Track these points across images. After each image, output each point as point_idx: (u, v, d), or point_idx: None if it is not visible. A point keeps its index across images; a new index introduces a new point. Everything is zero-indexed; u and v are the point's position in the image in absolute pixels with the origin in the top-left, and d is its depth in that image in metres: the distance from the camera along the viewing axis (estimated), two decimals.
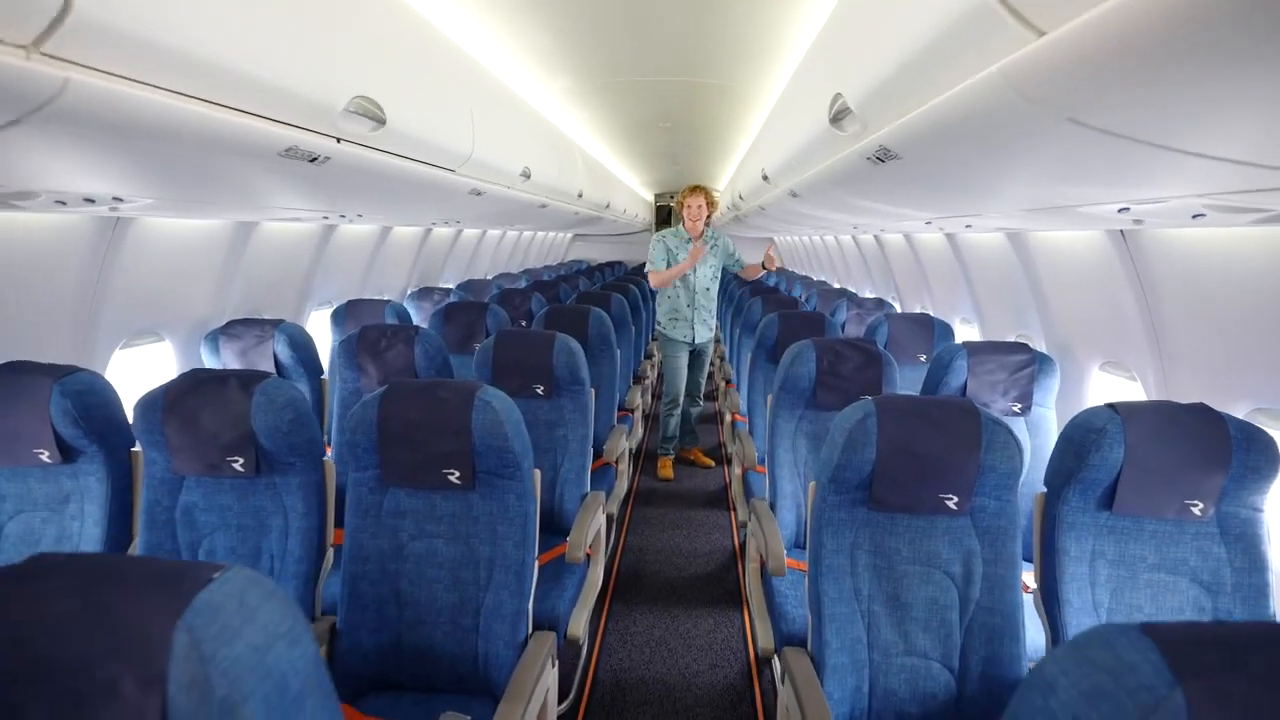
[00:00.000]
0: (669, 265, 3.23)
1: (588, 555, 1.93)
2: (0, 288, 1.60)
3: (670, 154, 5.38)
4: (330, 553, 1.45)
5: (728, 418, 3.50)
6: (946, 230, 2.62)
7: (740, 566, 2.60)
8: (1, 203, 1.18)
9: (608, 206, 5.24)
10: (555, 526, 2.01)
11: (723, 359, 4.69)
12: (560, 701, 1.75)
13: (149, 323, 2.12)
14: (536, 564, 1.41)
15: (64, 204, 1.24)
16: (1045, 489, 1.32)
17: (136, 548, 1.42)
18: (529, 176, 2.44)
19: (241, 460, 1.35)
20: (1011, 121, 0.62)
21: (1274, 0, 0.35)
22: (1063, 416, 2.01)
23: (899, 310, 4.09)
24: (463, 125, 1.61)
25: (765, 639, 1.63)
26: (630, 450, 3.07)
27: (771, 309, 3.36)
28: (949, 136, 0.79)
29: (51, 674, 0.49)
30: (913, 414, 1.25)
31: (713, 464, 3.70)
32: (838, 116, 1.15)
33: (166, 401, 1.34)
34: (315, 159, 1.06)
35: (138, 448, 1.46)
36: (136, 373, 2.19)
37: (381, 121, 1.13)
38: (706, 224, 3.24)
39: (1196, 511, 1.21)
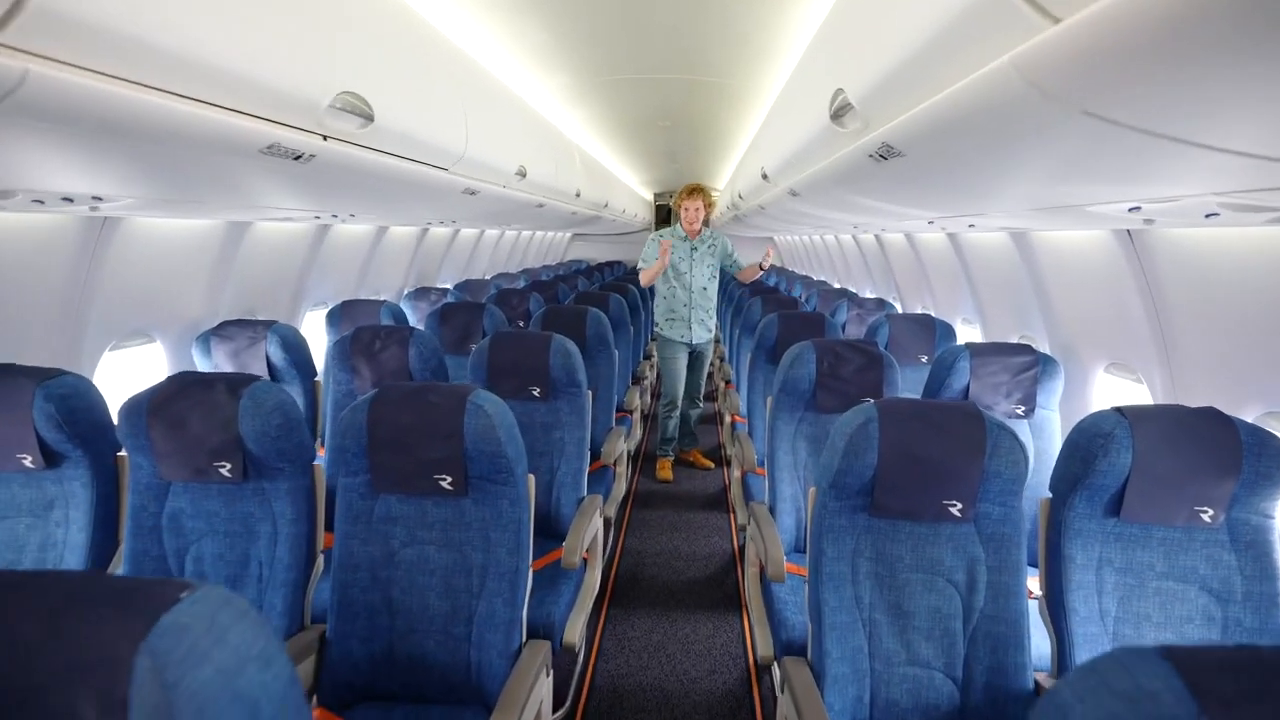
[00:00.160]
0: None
1: (584, 560, 1.90)
2: None
3: (670, 153, 5.35)
4: (320, 559, 1.42)
5: (727, 419, 3.47)
6: (949, 230, 2.59)
7: (740, 570, 2.57)
8: None
9: (606, 206, 5.20)
10: (551, 531, 1.98)
11: (722, 359, 4.66)
12: (556, 709, 1.72)
13: (139, 324, 2.09)
14: (531, 571, 1.38)
15: (42, 203, 1.21)
16: (1050, 494, 1.30)
17: (122, 555, 1.39)
18: (525, 175, 2.41)
19: (229, 465, 1.32)
20: (1022, 116, 0.59)
21: None
22: (1066, 419, 1.98)
23: (900, 310, 4.07)
24: (455, 123, 1.58)
25: (764, 646, 1.60)
26: (628, 452, 3.05)
27: (771, 309, 3.33)
28: (955, 132, 0.76)
29: (6, 698, 0.46)
30: (915, 418, 1.22)
31: (712, 465, 3.67)
32: (838, 113, 1.12)
33: (151, 405, 1.31)
34: (300, 157, 1.03)
35: (124, 452, 1.43)
36: (129, 375, 2.16)
37: (369, 118, 1.10)
38: (705, 224, 3.22)
39: (1206, 518, 1.18)
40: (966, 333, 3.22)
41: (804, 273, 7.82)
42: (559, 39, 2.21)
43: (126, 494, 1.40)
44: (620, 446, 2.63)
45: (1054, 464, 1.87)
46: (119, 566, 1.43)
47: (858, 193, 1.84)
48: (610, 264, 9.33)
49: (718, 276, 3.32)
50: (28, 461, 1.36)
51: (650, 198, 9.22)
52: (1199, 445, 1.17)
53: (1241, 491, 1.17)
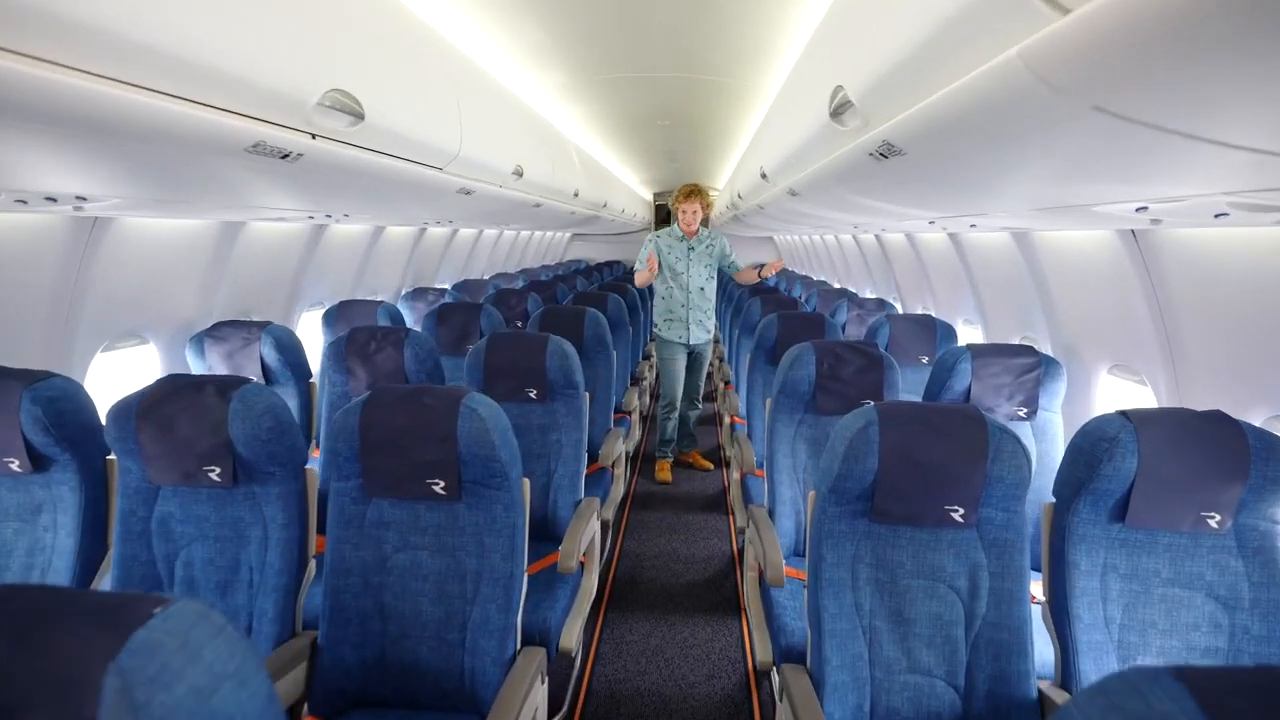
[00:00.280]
0: (659, 266, 3.21)
1: (582, 563, 1.88)
2: None
3: (669, 152, 5.32)
4: (312, 564, 1.40)
5: (726, 420, 3.45)
6: (950, 230, 2.57)
7: (739, 573, 2.55)
8: None
9: (605, 206, 5.18)
10: (548, 534, 1.96)
11: (721, 360, 4.64)
12: (552, 715, 1.70)
13: (132, 325, 2.07)
14: (526, 576, 1.36)
15: (25, 203, 1.19)
16: (1054, 499, 1.27)
17: (111, 560, 1.37)
18: (521, 175, 2.39)
19: (218, 470, 1.30)
20: (1029, 111, 0.56)
21: None
22: (1069, 421, 1.96)
23: (900, 311, 4.04)
24: (449, 121, 1.56)
25: (763, 652, 1.58)
26: (627, 453, 3.02)
27: (771, 309, 3.31)
28: (958, 129, 0.73)
29: None
30: (916, 422, 1.20)
31: (711, 467, 3.65)
32: (838, 110, 1.09)
33: (140, 408, 1.29)
34: (287, 156, 1.01)
35: (113, 456, 1.41)
36: (123, 376, 2.14)
37: (359, 116, 1.08)
38: (704, 224, 3.20)
39: (1213, 524, 1.16)
40: (968, 333, 3.19)
41: (804, 273, 7.79)
42: (555, 36, 2.19)
43: (115, 498, 1.38)
44: (618, 448, 2.61)
45: (1057, 467, 1.87)
46: (108, 572, 1.40)
47: (858, 192, 1.82)
48: (609, 264, 9.31)
49: (716, 277, 3.29)
50: (15, 465, 1.34)
51: (650, 197, 9.19)
52: (1205, 449, 1.14)
53: (1249, 497, 1.14)
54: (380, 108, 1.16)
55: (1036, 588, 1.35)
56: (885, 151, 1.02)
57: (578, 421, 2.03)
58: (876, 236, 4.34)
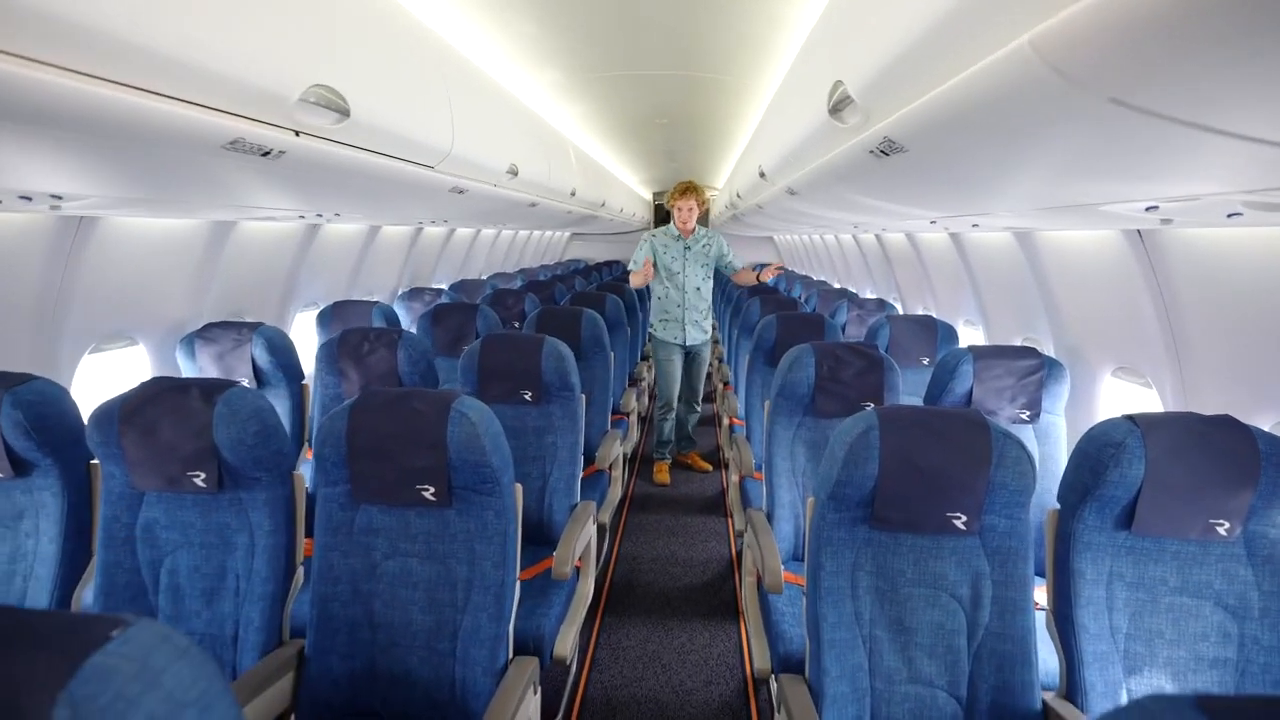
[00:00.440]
0: (654, 266, 3.17)
1: (577, 568, 1.85)
2: None
3: (668, 151, 5.29)
4: (300, 571, 1.37)
5: (725, 421, 3.42)
6: (951, 230, 2.54)
7: (737, 577, 2.52)
8: None
9: (603, 205, 5.15)
10: (543, 538, 1.93)
11: (720, 360, 4.60)
12: None
13: (120, 326, 2.04)
14: (518, 584, 1.33)
15: None
16: (1056, 504, 1.25)
17: (94, 567, 1.33)
18: (516, 174, 2.35)
19: (203, 475, 1.27)
20: (1040, 104, 0.53)
21: None
22: (1072, 424, 1.93)
23: (901, 311, 4.01)
24: (440, 119, 1.52)
25: (761, 660, 1.55)
26: (625, 455, 2.99)
27: (770, 310, 3.28)
28: (962, 125, 0.70)
29: None
30: (917, 426, 1.17)
31: (709, 468, 3.62)
32: (837, 107, 1.06)
33: (123, 412, 1.26)
34: (268, 153, 0.98)
35: (97, 460, 1.38)
36: (115, 378, 2.11)
37: (345, 113, 1.05)
38: (704, 223, 3.17)
39: (1222, 531, 1.13)
40: (969, 335, 3.16)
41: (804, 273, 7.76)
42: (549, 33, 2.16)
43: (99, 504, 1.35)
44: (616, 450, 2.58)
45: (1060, 472, 1.84)
46: (92, 579, 1.37)
47: (858, 191, 1.78)
48: (608, 263, 9.28)
49: (713, 277, 3.26)
50: None
51: (649, 197, 9.16)
52: (1214, 455, 1.12)
53: (1259, 503, 1.12)
54: (367, 104, 1.13)
55: (1040, 593, 1.32)
56: (886, 149, 0.99)
57: (573, 424, 2.00)
58: (877, 236, 4.31)
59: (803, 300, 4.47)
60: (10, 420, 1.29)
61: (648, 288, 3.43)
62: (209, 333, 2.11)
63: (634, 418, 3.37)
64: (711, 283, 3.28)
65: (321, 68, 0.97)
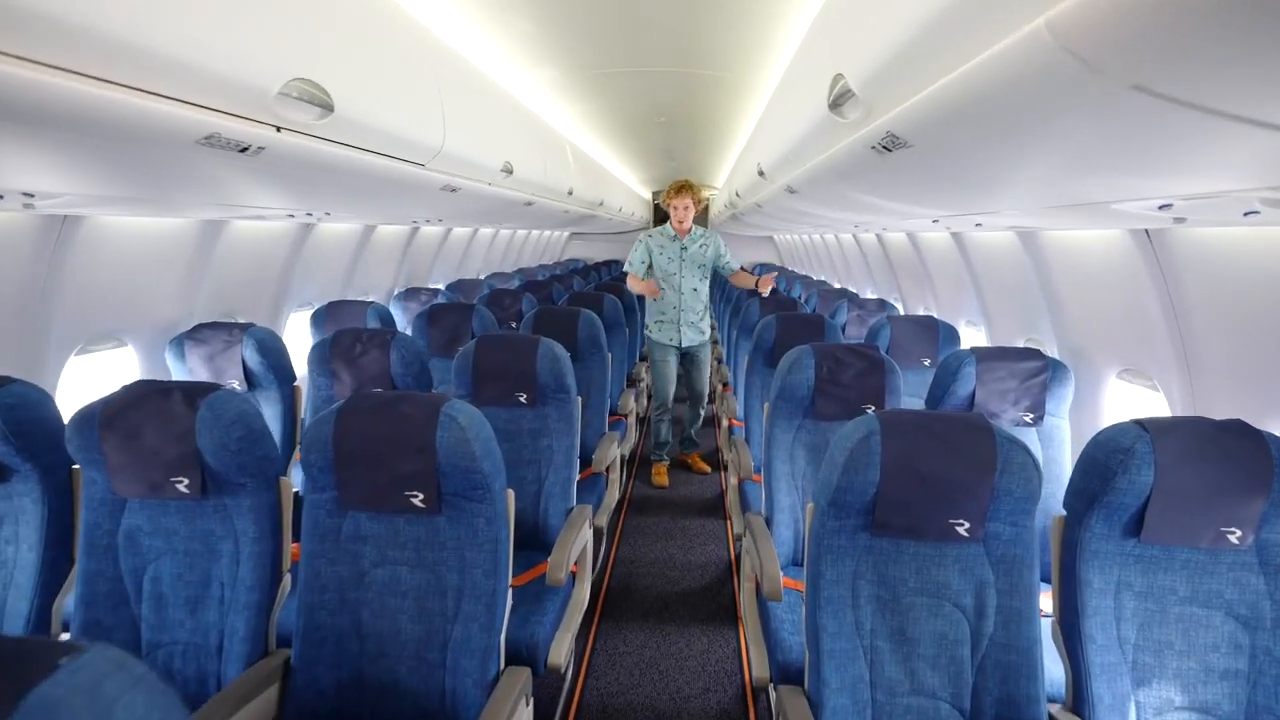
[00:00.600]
0: (649, 267, 3.14)
1: (572, 574, 1.82)
2: None
3: (666, 150, 5.25)
4: (287, 578, 1.34)
5: (724, 423, 3.38)
6: (953, 230, 2.50)
7: (736, 580, 2.49)
8: None
9: (602, 204, 5.11)
10: (538, 543, 1.90)
11: (720, 361, 4.56)
12: None
13: (108, 326, 2.00)
14: (510, 592, 1.30)
15: None
16: (1061, 507, 1.21)
17: (75, 575, 1.30)
18: (511, 172, 2.32)
19: (186, 481, 1.24)
20: (1056, 94, 0.50)
21: None
22: (1076, 427, 1.90)
23: (901, 312, 3.98)
24: (431, 116, 1.49)
25: (760, 668, 1.52)
26: (622, 457, 2.96)
27: (770, 310, 3.24)
28: (970, 118, 0.67)
29: None
30: (920, 431, 1.14)
31: (709, 470, 3.59)
32: (838, 101, 1.03)
33: (104, 416, 1.23)
34: (246, 149, 0.94)
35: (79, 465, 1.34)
36: (102, 380, 2.07)
37: (329, 108, 1.01)
38: (700, 223, 3.14)
39: (1234, 539, 1.10)
40: (970, 335, 3.13)
41: (804, 272, 7.73)
42: (545, 30, 2.12)
43: (81, 510, 1.31)
44: (613, 452, 2.55)
45: (1064, 476, 1.81)
46: (73, 587, 1.34)
47: (858, 189, 1.75)
48: (607, 263, 9.24)
49: (710, 278, 3.22)
50: None
51: (648, 196, 9.12)
52: (1226, 461, 1.08)
53: (1271, 511, 1.08)
54: (353, 100, 1.09)
55: (1045, 600, 1.28)
56: (889, 144, 0.95)
57: (569, 426, 1.96)
58: (877, 236, 4.27)
59: (802, 300, 4.43)
60: None
61: None
62: (199, 334, 2.07)
63: (632, 419, 3.33)
64: (709, 284, 3.24)
65: (303, 61, 0.93)
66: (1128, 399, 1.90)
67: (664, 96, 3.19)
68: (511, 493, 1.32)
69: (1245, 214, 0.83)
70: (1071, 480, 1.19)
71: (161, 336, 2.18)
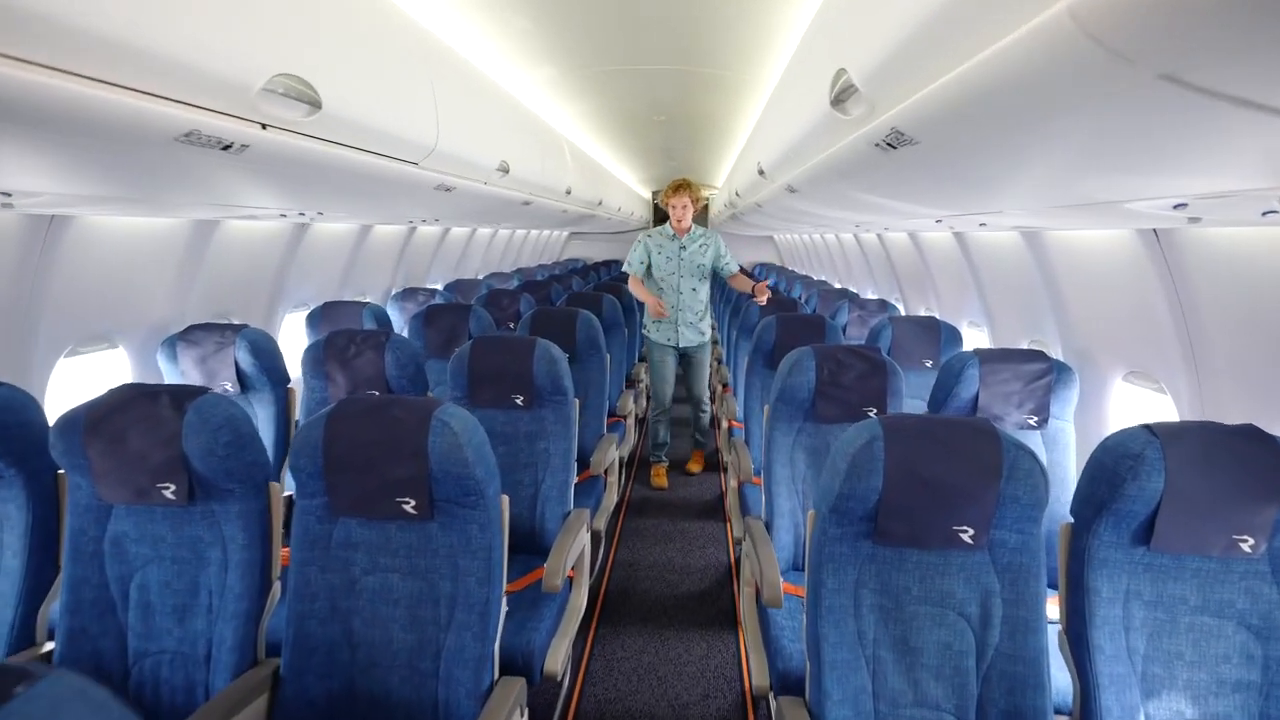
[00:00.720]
0: (648, 268, 3.12)
1: (569, 579, 1.79)
2: None
3: (666, 149, 5.22)
4: (277, 586, 1.31)
5: (724, 424, 3.35)
6: (956, 229, 2.47)
7: (735, 584, 2.46)
8: None
9: (600, 204, 5.08)
10: (535, 547, 1.87)
11: (719, 362, 4.53)
12: None
13: (99, 328, 1.98)
14: (505, 600, 1.27)
15: None
16: (1067, 511, 1.18)
17: (61, 583, 1.27)
18: (508, 171, 2.29)
19: (173, 487, 1.21)
20: (1077, 85, 0.47)
21: None
22: (1081, 430, 1.87)
23: (903, 312, 3.95)
24: (424, 113, 1.46)
25: (760, 676, 1.49)
26: (621, 459, 2.93)
27: (770, 311, 3.21)
28: (983, 112, 0.63)
29: None
30: (924, 436, 1.11)
31: (697, 469, 3.57)
32: (840, 97, 1.00)
33: (89, 421, 1.20)
34: (229, 146, 0.91)
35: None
36: (94, 382, 2.05)
37: (316, 105, 0.99)
38: (700, 222, 3.11)
39: (1246, 548, 1.07)
40: (973, 336, 3.10)
41: (804, 272, 7.70)
42: (543, 28, 2.10)
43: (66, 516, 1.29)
44: (611, 455, 2.52)
45: (1069, 480, 1.78)
46: (59, 595, 1.31)
47: (860, 188, 1.72)
48: (607, 263, 9.21)
49: (710, 278, 3.19)
50: None
51: (648, 196, 9.09)
52: (1238, 467, 1.05)
53: None
54: (342, 96, 1.06)
55: (1051, 606, 1.25)
56: (893, 141, 0.92)
57: (566, 429, 1.94)
58: (878, 235, 4.24)
59: (803, 301, 4.40)
60: None
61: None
62: (191, 335, 2.04)
63: (631, 420, 3.30)
64: (708, 284, 3.21)
65: (288, 56, 0.91)
66: (1134, 402, 1.87)
67: (663, 95, 3.17)
68: (506, 498, 1.29)
69: (1264, 214, 0.80)
70: (1079, 486, 1.16)
71: (153, 338, 2.15)
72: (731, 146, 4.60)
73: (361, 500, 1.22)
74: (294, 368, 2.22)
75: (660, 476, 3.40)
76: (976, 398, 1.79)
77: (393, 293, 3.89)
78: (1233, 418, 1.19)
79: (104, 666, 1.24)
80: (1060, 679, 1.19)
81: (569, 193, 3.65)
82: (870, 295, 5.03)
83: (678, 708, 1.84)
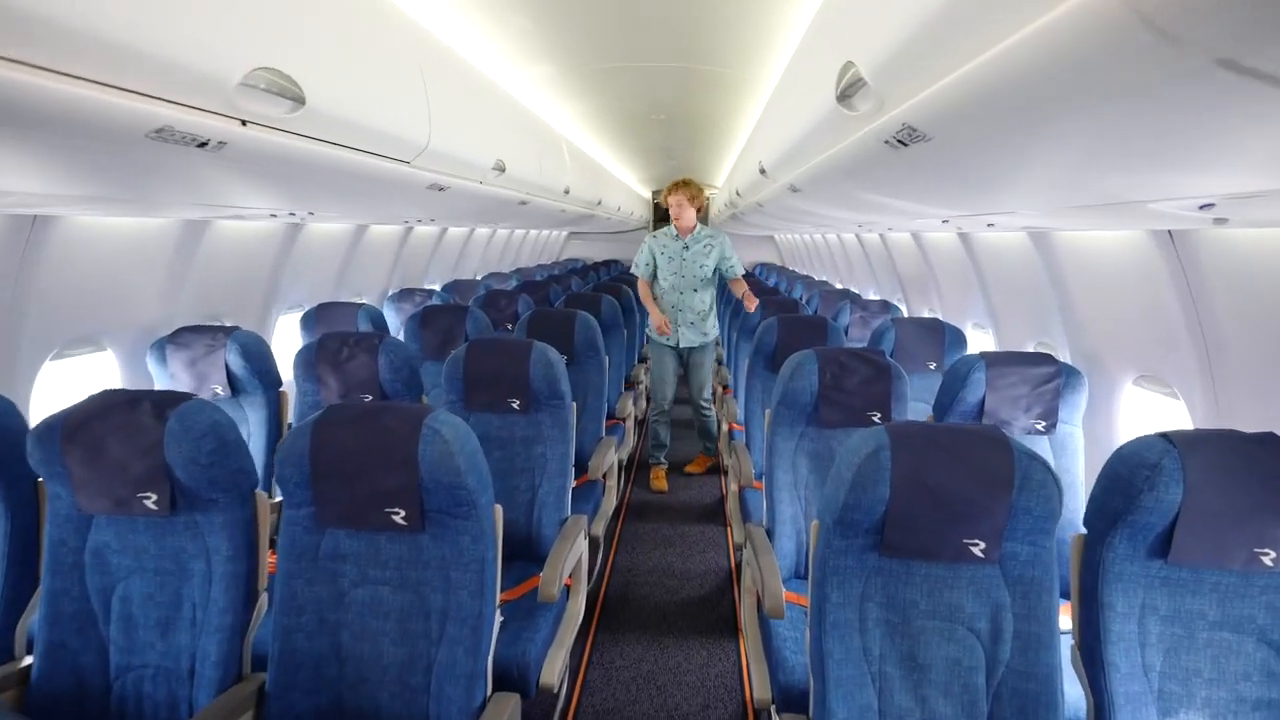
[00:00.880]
0: (654, 268, 3.10)
1: (567, 586, 1.75)
2: None
3: (666, 149, 5.18)
4: (264, 598, 1.27)
5: (724, 427, 3.31)
6: (964, 230, 2.42)
7: (736, 590, 2.42)
8: None
9: (600, 204, 5.04)
10: (532, 554, 1.83)
11: (720, 363, 4.49)
12: None
13: (86, 330, 1.93)
14: (498, 612, 1.23)
15: None
16: (1079, 524, 1.14)
17: (40, 595, 1.23)
18: (504, 170, 2.25)
19: (154, 497, 1.17)
20: (1122, 72, 0.42)
21: None
22: (1090, 435, 1.83)
23: (905, 314, 3.90)
24: (415, 111, 1.42)
25: (761, 688, 1.45)
26: (620, 462, 2.89)
27: (771, 312, 3.17)
28: (1004, 104, 0.59)
29: None
30: (932, 445, 1.07)
31: (697, 471, 3.53)
32: (847, 92, 0.95)
33: (66, 428, 1.16)
34: (205, 144, 0.87)
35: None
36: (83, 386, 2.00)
37: (299, 101, 0.94)
38: (705, 221, 3.07)
39: (1268, 561, 1.03)
40: (977, 338, 3.05)
41: (805, 272, 7.65)
42: (542, 26, 2.05)
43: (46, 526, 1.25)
44: (610, 458, 2.48)
45: (1078, 486, 1.74)
46: (38, 607, 1.27)
47: (866, 188, 1.68)
48: (606, 263, 9.17)
49: (713, 279, 3.15)
50: None
51: (648, 195, 9.05)
52: (1259, 477, 1.01)
53: None
54: (326, 91, 1.02)
55: (1061, 616, 1.21)
56: (904, 138, 0.88)
57: (564, 434, 1.90)
58: (881, 235, 4.20)
59: (804, 301, 4.36)
60: None
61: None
62: (181, 337, 2.00)
63: (630, 423, 3.26)
64: (713, 285, 3.17)
65: (269, 49, 0.86)
66: (1145, 406, 1.83)
67: (663, 93, 3.12)
68: (499, 508, 1.25)
69: None
70: (1093, 497, 1.12)
71: (143, 340, 2.11)
72: (732, 145, 4.55)
73: (350, 510, 1.18)
74: (287, 371, 2.18)
75: (660, 479, 3.36)
76: (983, 402, 1.75)
77: (389, 294, 3.85)
78: (1248, 424, 1.15)
79: (84, 681, 1.20)
80: (1072, 693, 1.15)
81: (567, 192, 3.61)
82: (872, 296, 4.99)
83: (677, 718, 1.80)
